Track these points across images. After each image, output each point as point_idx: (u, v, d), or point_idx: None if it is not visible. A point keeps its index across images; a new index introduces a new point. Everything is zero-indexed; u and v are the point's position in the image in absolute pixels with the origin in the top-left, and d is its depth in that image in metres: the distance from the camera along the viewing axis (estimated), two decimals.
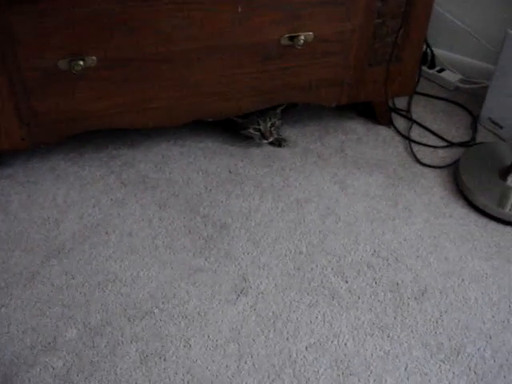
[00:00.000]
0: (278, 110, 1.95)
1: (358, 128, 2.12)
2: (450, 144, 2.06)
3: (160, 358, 1.41)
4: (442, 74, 2.35)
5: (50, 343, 1.43)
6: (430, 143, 2.06)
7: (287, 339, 1.45)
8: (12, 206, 1.77)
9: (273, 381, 1.37)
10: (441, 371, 1.40)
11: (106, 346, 1.43)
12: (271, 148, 2.01)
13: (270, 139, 1.95)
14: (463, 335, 1.48)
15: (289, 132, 2.09)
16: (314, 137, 2.06)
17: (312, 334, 1.47)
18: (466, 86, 2.32)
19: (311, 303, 1.54)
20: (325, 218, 1.77)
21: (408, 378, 1.39)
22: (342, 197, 1.84)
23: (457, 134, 2.12)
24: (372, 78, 1.96)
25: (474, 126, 2.15)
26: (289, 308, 1.52)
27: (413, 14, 1.84)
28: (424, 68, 2.35)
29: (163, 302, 1.53)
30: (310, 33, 1.76)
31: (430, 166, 1.96)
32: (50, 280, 1.57)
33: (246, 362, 1.40)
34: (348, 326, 1.49)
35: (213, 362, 1.40)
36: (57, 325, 1.47)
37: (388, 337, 1.47)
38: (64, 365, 1.39)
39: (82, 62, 1.63)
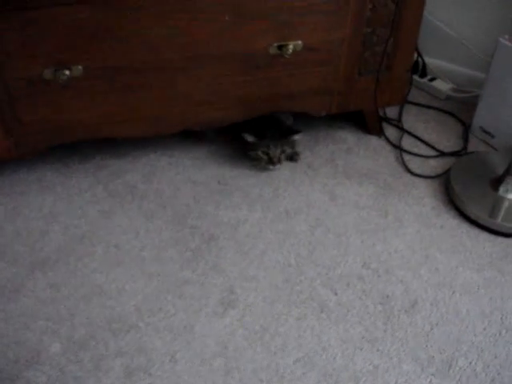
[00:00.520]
0: (292, 139, 1.90)
1: (348, 138, 2.10)
2: (442, 153, 2.04)
3: (145, 372, 1.38)
4: (434, 83, 2.33)
5: (33, 357, 1.40)
6: (421, 153, 2.05)
7: (275, 353, 1.43)
8: None
9: None
10: None
11: (89, 361, 1.40)
12: None
13: (277, 165, 1.89)
14: (454, 348, 1.46)
15: None
16: (304, 146, 2.04)
17: (300, 347, 1.44)
18: (458, 95, 2.30)
19: (300, 316, 1.51)
20: (314, 229, 1.75)
21: None
22: (332, 207, 1.82)
23: (448, 143, 2.10)
24: (362, 87, 1.94)
25: (465, 135, 2.13)
26: (277, 321, 1.50)
27: (403, 23, 1.82)
28: (415, 77, 2.34)
29: (149, 316, 1.50)
30: (299, 42, 1.74)
31: (421, 176, 1.94)
32: (35, 293, 1.54)
33: (232, 377, 1.38)
34: (337, 340, 1.47)
35: (199, 377, 1.38)
36: (41, 339, 1.44)
37: (378, 350, 1.44)
38: (48, 380, 1.36)
39: (67, 72, 1.60)
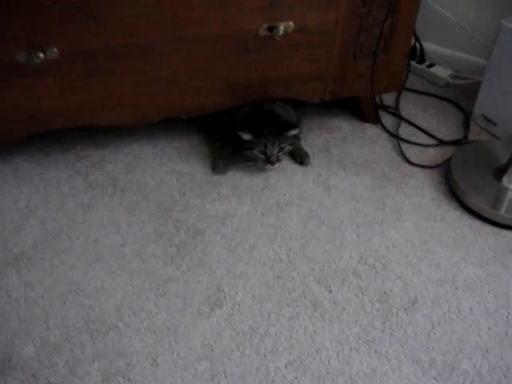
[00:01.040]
0: (290, 134, 1.78)
1: (343, 126, 2.04)
2: (441, 142, 2.00)
3: (124, 377, 1.32)
4: (432, 70, 2.29)
5: (4, 362, 1.34)
6: (419, 142, 2.00)
7: (265, 356, 1.37)
8: None
9: None
10: None
11: (64, 365, 1.34)
12: None
13: (276, 165, 1.77)
14: (457, 349, 1.40)
15: None
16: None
17: (292, 349, 1.38)
18: (458, 82, 2.27)
19: (291, 315, 1.45)
20: (307, 222, 1.69)
21: None
22: (326, 199, 1.76)
23: (448, 131, 2.05)
24: (358, 73, 1.89)
25: (466, 123, 2.09)
26: (267, 321, 1.44)
27: (400, 2, 1.76)
28: (413, 63, 2.30)
29: (129, 316, 1.44)
30: (291, 23, 1.68)
31: (419, 166, 1.90)
32: (7, 292, 1.48)
33: (219, 383, 1.31)
34: (332, 341, 1.40)
35: (182, 382, 1.32)
36: (13, 341, 1.38)
37: (375, 352, 1.39)
38: None
39: (42, 55, 1.54)
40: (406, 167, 1.89)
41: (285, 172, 1.84)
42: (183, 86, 1.72)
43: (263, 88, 1.80)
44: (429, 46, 2.31)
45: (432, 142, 2.01)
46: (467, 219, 1.73)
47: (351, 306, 1.48)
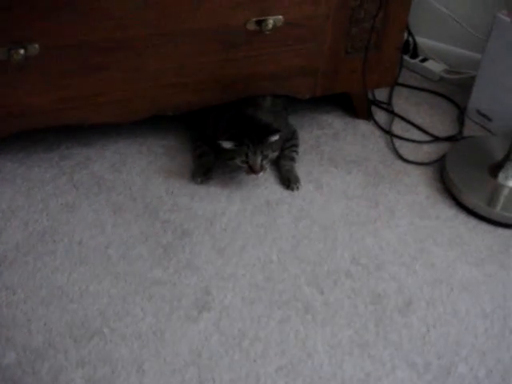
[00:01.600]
0: (272, 140, 1.66)
1: (334, 122, 2.02)
2: (436, 139, 1.99)
3: None
4: (426, 64, 2.29)
5: None
6: (413, 138, 1.98)
7: (254, 361, 1.34)
8: None
9: None
10: None
11: (47, 373, 1.30)
12: None
13: (260, 174, 1.67)
14: (454, 352, 1.38)
15: None
16: None
17: (283, 354, 1.35)
18: (452, 77, 2.26)
19: (282, 319, 1.42)
20: (298, 221, 1.66)
21: None
22: (318, 197, 1.74)
23: (442, 127, 2.04)
24: (349, 68, 1.86)
25: (460, 118, 2.08)
26: (257, 325, 1.41)
27: None
28: (406, 57, 2.29)
29: (114, 321, 1.40)
30: (280, 16, 1.65)
31: (413, 163, 1.88)
32: None
33: None
34: (324, 345, 1.38)
35: None
36: None
37: (369, 356, 1.36)
38: None
39: (22, 51, 1.48)
40: (400, 164, 1.87)
41: (275, 170, 1.82)
42: (170, 82, 1.68)
43: (252, 83, 1.77)
44: (422, 41, 2.30)
45: (426, 138, 1.99)
46: (462, 217, 1.71)
47: (344, 308, 1.45)
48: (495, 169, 1.77)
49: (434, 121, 2.06)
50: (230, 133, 1.66)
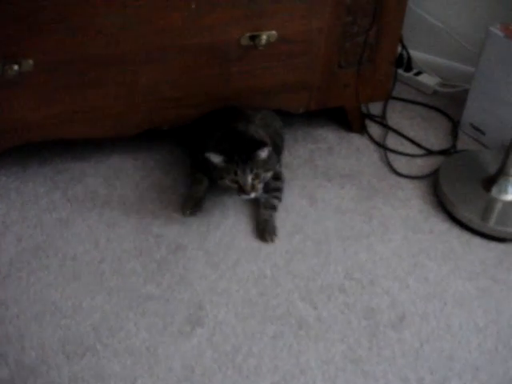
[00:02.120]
0: (261, 157, 1.56)
1: (328, 136, 2.01)
2: (429, 152, 1.98)
3: None
4: (420, 78, 2.28)
5: None
6: (407, 152, 1.98)
7: (247, 377, 1.33)
8: None
9: None
10: None
11: None
12: None
13: (252, 194, 1.57)
14: (447, 367, 1.37)
15: None
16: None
17: (276, 370, 1.35)
18: (445, 90, 2.25)
19: (275, 334, 1.42)
20: (292, 236, 1.65)
21: None
22: (311, 212, 1.73)
23: (436, 141, 2.03)
24: (343, 82, 1.86)
25: (454, 132, 2.07)
26: (250, 340, 1.40)
27: (386, 10, 1.74)
28: (400, 71, 2.28)
29: (107, 336, 1.39)
30: (273, 32, 1.65)
31: (407, 177, 1.87)
32: None
33: None
34: (317, 360, 1.37)
35: None
36: None
37: (362, 371, 1.35)
38: None
39: (16, 67, 1.49)
40: (393, 178, 1.86)
41: None
42: (163, 97, 1.69)
43: (247, 98, 1.77)
44: (416, 54, 2.29)
45: (420, 151, 1.98)
46: (456, 231, 1.70)
47: (337, 323, 1.45)
48: (489, 183, 1.77)
49: (428, 134, 2.05)
50: (220, 147, 1.59)
